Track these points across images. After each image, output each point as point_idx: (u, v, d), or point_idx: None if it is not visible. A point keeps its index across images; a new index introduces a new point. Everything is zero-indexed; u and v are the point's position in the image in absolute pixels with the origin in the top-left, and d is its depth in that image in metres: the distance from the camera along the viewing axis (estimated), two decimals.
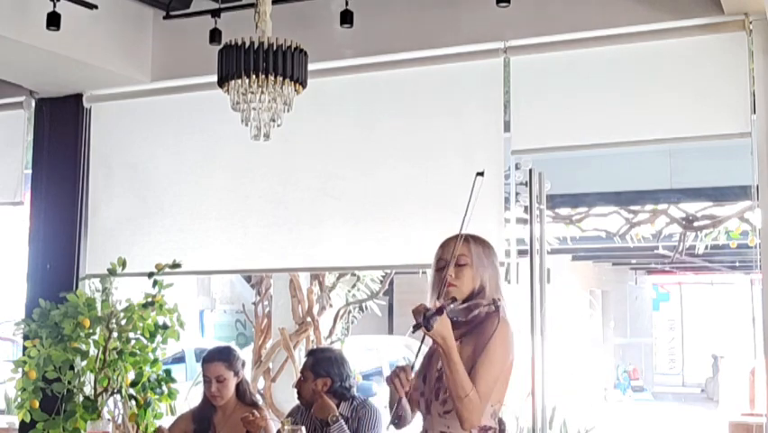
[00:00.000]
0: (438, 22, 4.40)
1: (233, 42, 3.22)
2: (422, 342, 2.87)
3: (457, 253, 2.95)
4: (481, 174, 2.89)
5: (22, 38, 4.35)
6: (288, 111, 3.28)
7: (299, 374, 4.22)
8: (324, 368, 4.11)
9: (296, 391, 4.19)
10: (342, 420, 3.94)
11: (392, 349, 12.80)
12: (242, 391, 4.21)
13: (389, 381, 2.84)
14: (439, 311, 2.73)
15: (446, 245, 3.06)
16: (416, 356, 2.91)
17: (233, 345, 4.74)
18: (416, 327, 2.73)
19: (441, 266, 3.00)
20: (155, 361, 4.84)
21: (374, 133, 4.68)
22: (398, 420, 2.93)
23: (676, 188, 8.29)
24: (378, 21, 4.44)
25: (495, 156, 4.37)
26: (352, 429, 3.96)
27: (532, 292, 4.36)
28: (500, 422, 2.94)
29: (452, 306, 2.86)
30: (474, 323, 2.90)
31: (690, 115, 4.12)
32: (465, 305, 2.93)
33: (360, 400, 4.12)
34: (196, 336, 15.79)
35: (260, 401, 4.43)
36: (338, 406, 4.04)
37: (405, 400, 2.89)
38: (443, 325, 2.74)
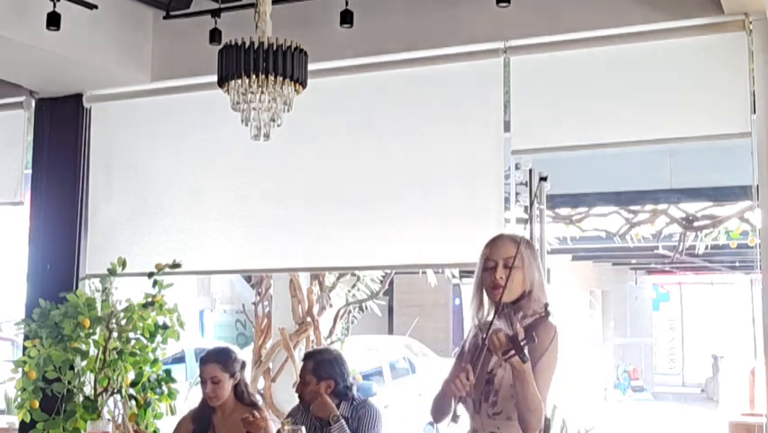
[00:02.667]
0: (438, 22, 4.40)
1: (233, 42, 3.22)
2: (483, 349, 2.87)
3: (517, 254, 2.97)
4: (544, 179, 2.94)
5: (22, 38, 4.35)
6: (288, 111, 3.28)
7: (299, 378, 4.19)
8: (326, 370, 4.09)
9: (296, 394, 4.17)
10: (342, 420, 3.93)
11: (392, 349, 12.79)
12: (240, 392, 4.21)
13: (449, 382, 2.88)
14: (530, 338, 2.76)
15: (494, 245, 3.07)
16: (478, 358, 2.91)
17: (232, 345, 4.74)
18: (508, 357, 2.76)
19: (489, 266, 3.02)
20: (155, 361, 4.85)
21: (374, 133, 4.68)
22: (455, 419, 2.93)
23: (676, 188, 8.29)
24: (378, 21, 4.44)
25: (495, 156, 4.37)
26: (352, 429, 3.96)
27: None
28: (546, 420, 2.99)
29: (507, 310, 2.92)
30: (530, 330, 2.90)
31: (690, 115, 4.12)
32: (521, 313, 2.96)
33: (360, 399, 4.11)
34: (196, 336, 15.78)
35: (260, 402, 4.43)
36: (338, 406, 4.03)
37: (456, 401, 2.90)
38: None
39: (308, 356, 4.26)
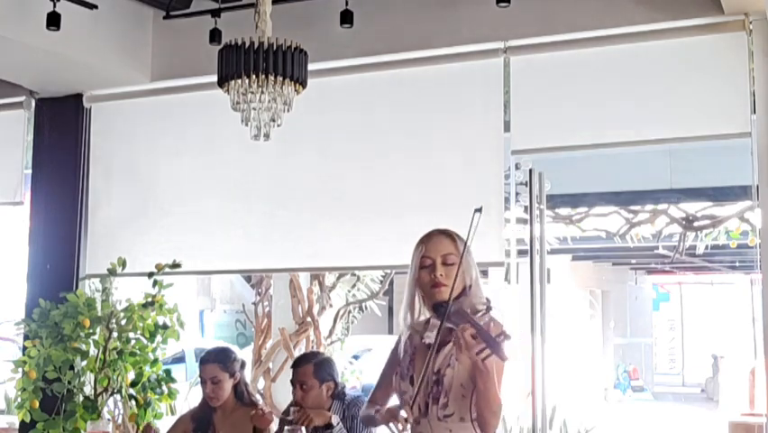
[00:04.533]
0: (438, 22, 4.40)
1: (233, 42, 3.22)
2: (436, 337, 2.76)
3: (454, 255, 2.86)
4: (479, 211, 2.79)
5: (22, 38, 4.35)
6: (288, 111, 3.28)
7: (297, 385, 4.08)
8: (326, 372, 4.07)
9: (294, 404, 4.04)
10: (341, 423, 3.91)
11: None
12: (240, 392, 4.21)
13: (386, 423, 2.77)
14: (505, 336, 2.62)
15: (430, 241, 2.93)
16: (418, 361, 2.86)
17: (231, 346, 4.74)
18: (485, 357, 2.59)
19: (426, 264, 2.89)
20: (155, 361, 4.84)
21: (374, 132, 4.67)
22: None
23: (676, 188, 8.29)
24: (378, 21, 4.44)
25: (495, 156, 4.37)
26: (346, 427, 3.94)
27: (532, 292, 4.35)
28: None
29: (453, 308, 2.76)
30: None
31: (690, 115, 4.12)
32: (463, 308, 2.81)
33: (351, 397, 4.09)
34: (196, 336, 15.79)
35: (261, 401, 4.42)
36: (332, 406, 4.02)
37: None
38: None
39: (303, 361, 4.17)
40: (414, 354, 2.93)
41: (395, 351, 3.05)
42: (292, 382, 4.16)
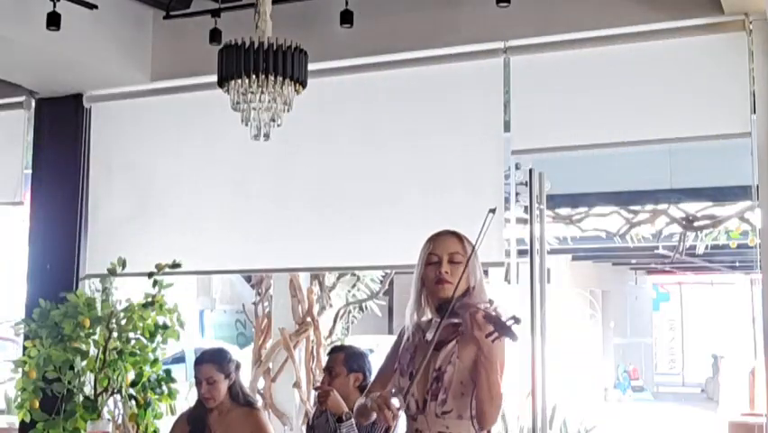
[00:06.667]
0: (438, 22, 4.40)
1: (233, 42, 3.22)
2: (436, 332, 2.79)
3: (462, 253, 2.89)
4: (493, 211, 2.84)
5: (22, 38, 4.35)
6: (288, 111, 3.28)
7: (325, 371, 4.12)
8: (357, 363, 4.07)
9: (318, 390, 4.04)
10: (353, 419, 3.89)
11: None
12: (235, 393, 4.21)
13: (377, 409, 2.77)
14: (516, 319, 2.64)
15: (438, 239, 2.98)
16: (420, 357, 2.86)
17: (230, 346, 4.73)
18: (494, 338, 2.64)
19: (433, 261, 2.93)
20: (155, 361, 4.84)
21: (374, 132, 4.68)
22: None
23: (676, 188, 8.29)
24: (378, 21, 4.44)
25: (495, 156, 4.37)
26: (369, 426, 3.92)
27: (532, 292, 4.36)
28: None
29: (456, 304, 2.79)
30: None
31: (690, 115, 4.12)
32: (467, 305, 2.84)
33: None
34: (196, 336, 15.79)
35: (258, 402, 4.42)
36: (357, 398, 4.02)
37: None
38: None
39: (338, 349, 4.23)
40: (415, 351, 2.95)
41: (395, 346, 3.07)
42: (323, 368, 4.21)
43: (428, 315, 2.99)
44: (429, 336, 2.90)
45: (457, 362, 2.83)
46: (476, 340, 2.69)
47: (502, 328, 2.64)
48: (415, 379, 2.82)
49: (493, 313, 2.71)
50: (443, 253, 2.92)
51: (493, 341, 2.65)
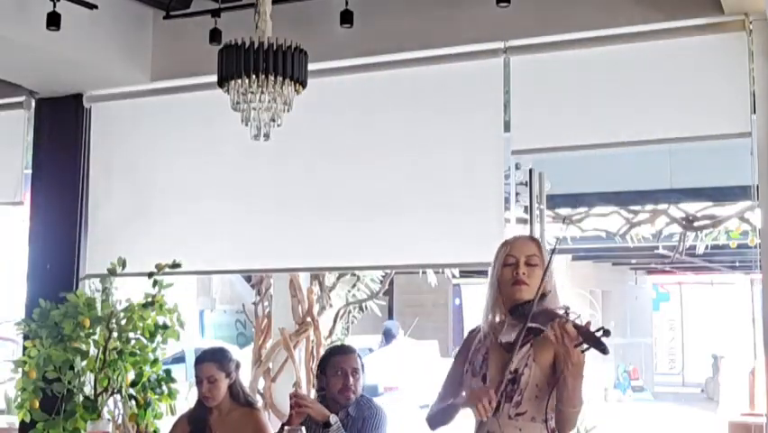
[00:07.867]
0: (438, 22, 4.40)
1: (233, 42, 3.22)
2: (519, 336, 2.79)
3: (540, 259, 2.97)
4: (568, 219, 2.90)
5: (22, 38, 4.35)
6: (288, 111, 3.28)
7: (351, 375, 4.03)
8: (363, 366, 4.10)
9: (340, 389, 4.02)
10: (339, 422, 3.89)
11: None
12: (235, 393, 4.21)
13: (473, 402, 2.79)
14: (605, 331, 2.64)
15: (516, 242, 3.03)
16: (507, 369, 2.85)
17: (230, 345, 4.74)
18: (584, 349, 2.65)
19: (510, 262, 2.96)
20: (155, 361, 4.84)
21: (374, 132, 4.68)
22: None
23: (676, 188, 8.29)
24: (378, 21, 4.44)
25: (495, 156, 4.37)
26: (356, 428, 3.93)
27: None
28: None
29: (536, 309, 2.81)
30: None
31: (690, 115, 4.12)
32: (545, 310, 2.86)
33: (366, 399, 4.09)
34: (196, 336, 15.78)
35: (258, 402, 4.42)
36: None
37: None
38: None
39: (352, 349, 4.19)
40: (487, 353, 2.96)
41: (463, 350, 3.09)
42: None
43: (499, 317, 3.00)
44: (502, 338, 2.92)
45: (533, 365, 2.86)
46: (565, 349, 2.68)
47: (593, 340, 2.64)
48: (505, 377, 2.82)
49: (581, 323, 2.72)
50: (521, 255, 2.97)
51: (583, 351, 2.66)
